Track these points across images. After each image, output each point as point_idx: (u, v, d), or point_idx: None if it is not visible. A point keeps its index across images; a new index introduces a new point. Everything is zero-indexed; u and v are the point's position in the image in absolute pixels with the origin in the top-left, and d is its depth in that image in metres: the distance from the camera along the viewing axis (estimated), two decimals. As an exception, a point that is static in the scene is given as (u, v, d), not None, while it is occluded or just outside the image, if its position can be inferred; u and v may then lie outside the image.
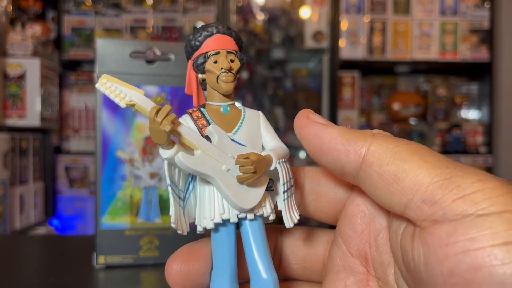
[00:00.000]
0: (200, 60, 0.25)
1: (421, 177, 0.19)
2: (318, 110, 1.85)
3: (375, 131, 0.23)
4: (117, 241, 0.46)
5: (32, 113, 1.48)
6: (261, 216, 0.24)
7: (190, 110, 0.25)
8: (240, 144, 0.25)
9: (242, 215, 0.24)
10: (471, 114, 1.99)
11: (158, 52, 0.48)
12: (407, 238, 0.20)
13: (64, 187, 1.84)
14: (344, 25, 1.82)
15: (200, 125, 0.24)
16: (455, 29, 1.86)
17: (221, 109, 0.25)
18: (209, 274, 0.24)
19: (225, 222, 0.24)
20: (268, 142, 0.25)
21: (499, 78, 1.87)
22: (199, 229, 0.24)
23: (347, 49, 1.82)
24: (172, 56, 0.48)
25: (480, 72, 1.91)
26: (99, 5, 1.87)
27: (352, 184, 0.25)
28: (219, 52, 0.25)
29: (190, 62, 0.26)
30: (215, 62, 0.25)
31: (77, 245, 0.56)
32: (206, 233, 0.25)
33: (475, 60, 1.86)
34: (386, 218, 0.24)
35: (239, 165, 0.23)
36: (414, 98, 1.91)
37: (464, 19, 1.86)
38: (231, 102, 0.26)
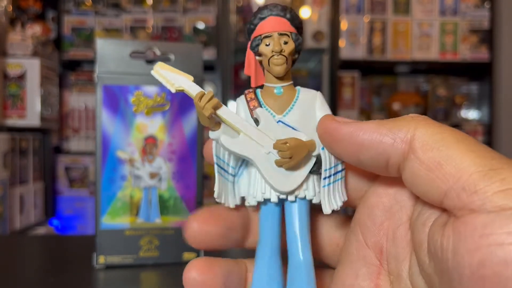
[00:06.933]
0: (255, 43, 0.26)
1: (465, 165, 0.18)
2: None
3: (413, 115, 0.22)
4: (117, 241, 0.46)
5: (32, 113, 1.48)
6: (303, 198, 0.24)
7: (247, 91, 0.26)
8: (290, 126, 0.25)
9: (282, 196, 0.24)
10: (471, 114, 1.99)
11: (158, 52, 0.48)
12: (438, 227, 0.19)
13: (64, 187, 1.84)
14: (344, 25, 1.82)
15: (252, 107, 0.25)
16: (455, 29, 1.86)
17: (275, 91, 0.26)
18: (227, 237, 0.25)
19: (266, 201, 0.24)
20: None
21: (499, 78, 1.87)
22: (246, 204, 0.25)
23: (347, 49, 1.82)
24: (172, 56, 0.48)
25: (480, 72, 1.91)
26: (99, 5, 1.87)
27: (375, 174, 0.24)
28: (271, 35, 0.25)
29: (249, 44, 0.27)
30: (268, 44, 0.25)
31: (77, 245, 0.56)
32: (257, 208, 0.26)
33: (475, 60, 1.86)
34: (408, 212, 0.23)
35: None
36: (414, 98, 1.91)
37: (464, 19, 1.86)
38: (286, 83, 0.26)
